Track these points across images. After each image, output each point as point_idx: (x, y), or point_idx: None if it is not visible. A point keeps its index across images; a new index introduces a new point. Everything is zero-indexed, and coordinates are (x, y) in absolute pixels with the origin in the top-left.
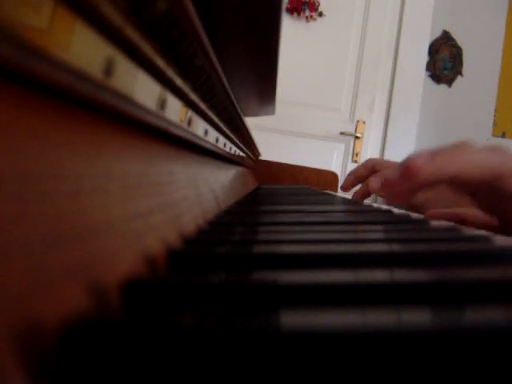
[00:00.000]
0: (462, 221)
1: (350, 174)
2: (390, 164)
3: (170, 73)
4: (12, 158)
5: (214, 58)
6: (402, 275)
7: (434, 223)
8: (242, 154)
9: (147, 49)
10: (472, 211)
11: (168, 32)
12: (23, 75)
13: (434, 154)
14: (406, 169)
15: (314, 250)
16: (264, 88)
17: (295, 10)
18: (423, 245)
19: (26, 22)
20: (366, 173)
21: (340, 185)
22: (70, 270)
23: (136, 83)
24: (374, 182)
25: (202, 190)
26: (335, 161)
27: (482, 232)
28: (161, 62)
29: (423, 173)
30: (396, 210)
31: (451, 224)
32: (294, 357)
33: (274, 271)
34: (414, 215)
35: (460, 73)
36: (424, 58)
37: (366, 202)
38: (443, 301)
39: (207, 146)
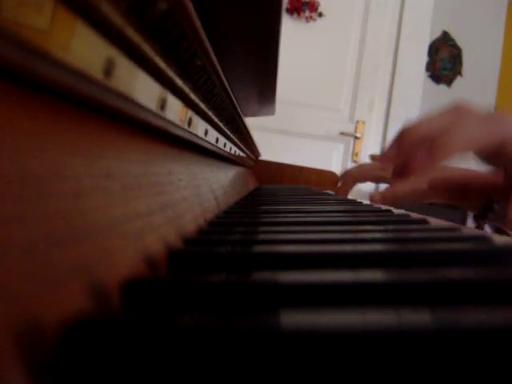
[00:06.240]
0: (468, 183)
1: (342, 180)
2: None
3: (170, 73)
4: (13, 158)
5: (214, 58)
6: (401, 275)
7: (434, 223)
8: (242, 154)
9: (147, 49)
10: (472, 173)
11: (168, 32)
12: (24, 76)
13: (431, 138)
14: (404, 168)
15: (314, 250)
16: (264, 88)
17: (295, 10)
18: (423, 245)
19: (27, 23)
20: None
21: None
22: (71, 270)
23: (136, 83)
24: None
25: (202, 189)
26: (335, 161)
27: (482, 232)
28: (161, 62)
29: (419, 170)
30: (396, 211)
31: (451, 224)
32: (294, 357)
33: (273, 271)
34: (414, 215)
35: (460, 73)
36: (424, 58)
37: (366, 202)
38: (443, 301)
39: (207, 146)
